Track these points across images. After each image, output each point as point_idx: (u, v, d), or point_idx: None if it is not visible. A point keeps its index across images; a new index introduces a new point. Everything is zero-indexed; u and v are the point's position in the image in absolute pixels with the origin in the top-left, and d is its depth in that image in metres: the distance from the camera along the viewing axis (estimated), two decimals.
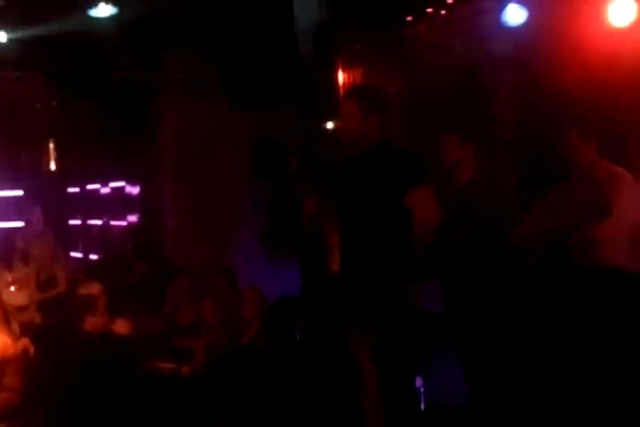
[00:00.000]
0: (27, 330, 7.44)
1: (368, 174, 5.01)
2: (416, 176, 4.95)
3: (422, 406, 7.02)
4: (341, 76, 8.53)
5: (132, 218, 11.29)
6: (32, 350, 6.93)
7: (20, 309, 8.16)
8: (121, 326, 7.29)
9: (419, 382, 6.88)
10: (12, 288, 8.32)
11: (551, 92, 6.84)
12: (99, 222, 12.38)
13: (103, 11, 7.48)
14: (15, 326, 7.50)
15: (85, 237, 11.93)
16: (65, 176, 12.55)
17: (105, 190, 12.29)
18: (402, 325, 4.92)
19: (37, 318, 8.08)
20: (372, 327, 4.91)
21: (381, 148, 5.08)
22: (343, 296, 5.12)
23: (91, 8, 7.45)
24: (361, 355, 4.98)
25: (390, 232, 4.93)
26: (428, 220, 4.89)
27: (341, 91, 8.44)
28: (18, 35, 8.40)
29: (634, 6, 6.58)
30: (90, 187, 12.70)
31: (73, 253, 11.85)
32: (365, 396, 5.03)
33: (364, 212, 4.98)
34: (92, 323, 6.98)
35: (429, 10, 7.93)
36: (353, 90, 5.90)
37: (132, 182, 11.37)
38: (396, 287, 4.91)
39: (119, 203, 11.77)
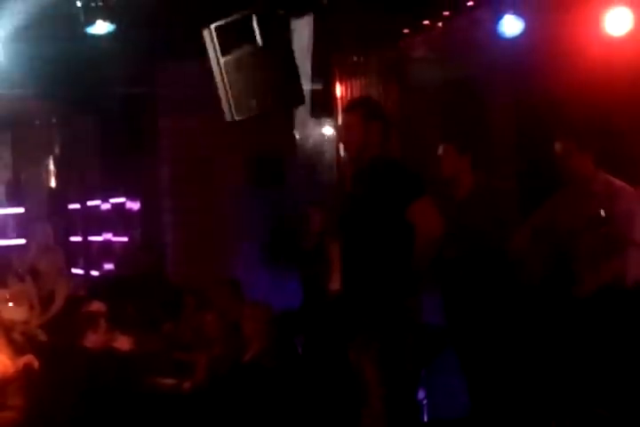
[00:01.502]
0: (29, 346, 7.43)
1: (369, 188, 5.02)
2: (417, 189, 4.96)
3: (425, 419, 7.01)
4: (339, 89, 8.55)
5: (133, 234, 11.29)
6: (36, 364, 6.92)
7: (20, 324, 8.15)
8: (123, 343, 7.28)
9: (421, 394, 6.87)
10: (10, 304, 8.30)
11: (548, 102, 6.84)
12: (99, 239, 12.38)
13: (101, 28, 7.48)
14: (18, 339, 7.51)
15: (86, 254, 11.92)
16: (65, 193, 12.56)
17: (105, 206, 12.30)
18: (404, 336, 4.92)
19: (39, 334, 8.04)
20: (375, 338, 4.90)
21: (381, 161, 5.09)
22: (345, 308, 5.11)
23: (88, 25, 7.44)
24: (364, 366, 4.97)
25: (393, 245, 4.93)
26: (431, 232, 4.89)
27: (339, 103, 8.45)
28: (15, 52, 8.40)
29: (630, 16, 6.58)
30: (90, 203, 12.71)
31: (74, 270, 11.85)
32: (368, 407, 5.02)
33: (366, 225, 4.98)
34: (93, 340, 6.98)
35: (426, 22, 7.94)
36: (354, 102, 5.91)
37: (132, 198, 11.38)
38: (398, 299, 4.91)
39: (120, 219, 11.77)
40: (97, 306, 7.19)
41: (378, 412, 4.94)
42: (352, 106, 5.42)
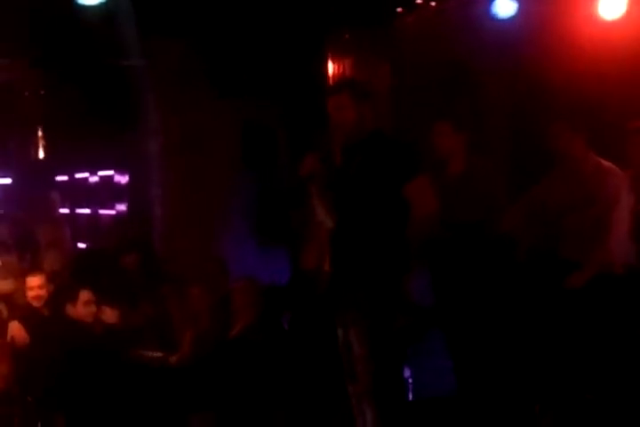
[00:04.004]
0: (16, 315, 7.43)
1: (366, 161, 5.02)
2: (413, 166, 4.97)
3: (410, 397, 7.04)
4: (331, 67, 8.52)
5: (121, 207, 11.26)
6: (22, 333, 6.93)
7: (7, 296, 8.14)
8: (109, 315, 7.29)
9: (407, 372, 6.91)
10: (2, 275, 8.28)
11: (541, 84, 6.86)
12: (87, 211, 12.36)
13: None
14: (3, 310, 7.50)
15: (74, 226, 11.87)
16: (53, 164, 12.51)
17: (93, 179, 12.26)
18: (394, 314, 4.94)
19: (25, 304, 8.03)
20: (366, 314, 4.93)
21: (377, 137, 5.09)
22: (335, 285, 5.13)
23: None
24: (353, 342, 5.00)
25: (388, 221, 4.95)
26: (426, 209, 4.91)
27: (331, 81, 8.43)
28: (5, 21, 8.35)
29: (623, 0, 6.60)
30: (78, 175, 12.68)
31: None
32: (355, 383, 5.06)
33: (360, 200, 4.99)
34: (80, 312, 6.99)
35: (419, 1, 7.93)
36: (342, 83, 5.90)
37: (120, 171, 11.34)
38: (389, 276, 4.93)
39: (108, 192, 11.74)
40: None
41: (366, 388, 4.97)
42: (339, 87, 5.41)
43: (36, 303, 7.36)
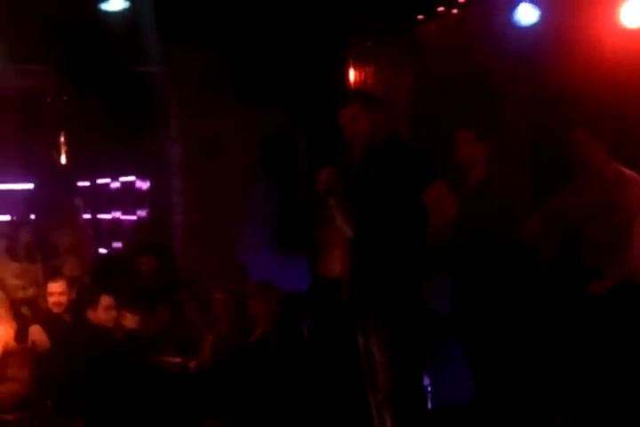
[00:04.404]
0: (37, 320, 7.46)
1: (382, 169, 5.03)
2: (430, 172, 4.98)
3: (429, 406, 7.02)
4: (352, 75, 8.53)
5: (142, 213, 11.29)
6: (44, 338, 6.95)
7: (30, 301, 8.18)
8: (130, 321, 7.31)
9: (426, 381, 6.90)
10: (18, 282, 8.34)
11: (563, 91, 6.83)
12: (108, 217, 12.39)
13: (115, 4, 7.49)
14: (26, 313, 7.54)
15: (95, 231, 11.91)
16: (75, 170, 12.56)
17: (115, 185, 12.30)
18: (416, 322, 4.94)
19: (47, 309, 8.06)
20: (387, 322, 4.93)
21: (393, 144, 5.11)
22: (355, 292, 5.14)
23: (103, 1, 7.45)
24: (373, 350, 5.00)
25: (407, 229, 4.95)
26: (444, 216, 4.92)
27: (352, 89, 8.44)
28: (29, 28, 8.41)
29: None
30: (100, 181, 12.71)
31: None
32: (376, 392, 5.06)
33: (378, 208, 4.99)
34: (101, 317, 7.01)
35: (441, 9, 7.92)
36: (353, 94, 5.93)
37: (141, 177, 11.37)
38: (410, 283, 4.94)
39: (129, 198, 11.77)
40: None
41: (386, 396, 4.97)
42: (352, 98, 5.44)
43: (56, 309, 7.39)
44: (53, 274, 8.12)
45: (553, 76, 6.93)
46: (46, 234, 9.35)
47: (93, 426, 6.47)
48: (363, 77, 8.42)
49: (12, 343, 6.85)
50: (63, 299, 7.42)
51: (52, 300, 7.43)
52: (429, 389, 7.10)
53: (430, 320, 5.05)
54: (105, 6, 7.45)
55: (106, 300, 7.04)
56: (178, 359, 7.24)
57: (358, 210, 5.09)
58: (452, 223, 4.96)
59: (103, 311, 7.01)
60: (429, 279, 4.98)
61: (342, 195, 5.09)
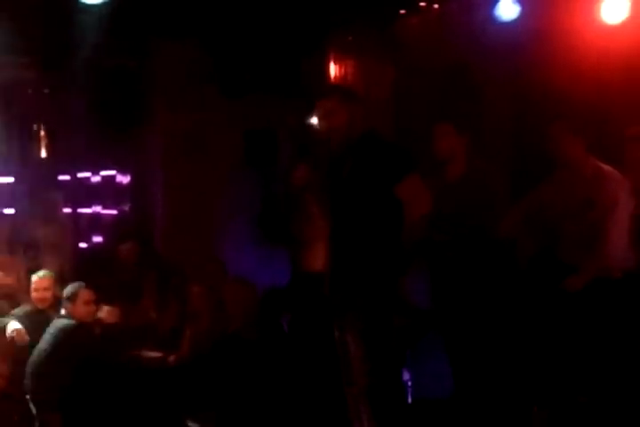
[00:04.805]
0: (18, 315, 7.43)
1: (358, 164, 5.03)
2: (406, 166, 4.98)
3: (409, 400, 7.04)
4: (333, 69, 8.53)
5: (123, 207, 11.26)
6: (22, 333, 6.91)
7: (9, 295, 8.14)
8: (108, 315, 7.30)
9: (406, 375, 6.91)
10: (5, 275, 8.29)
11: (543, 87, 6.86)
12: (89, 211, 12.35)
13: None
14: (5, 307, 7.50)
15: (75, 226, 11.86)
16: (55, 163, 12.51)
17: (95, 179, 12.25)
18: (390, 315, 4.95)
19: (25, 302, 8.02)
20: (362, 316, 4.94)
21: (369, 138, 5.11)
22: (332, 286, 5.14)
23: None
24: (349, 343, 5.01)
25: (382, 222, 4.96)
26: (419, 209, 4.92)
27: (333, 83, 8.44)
28: (9, 20, 8.36)
29: (626, 4, 6.60)
30: (80, 175, 12.66)
31: None
32: (351, 385, 5.07)
33: (354, 201, 5.00)
34: (79, 311, 6.99)
35: (422, 4, 7.93)
36: (330, 89, 5.94)
37: (122, 171, 11.34)
38: (385, 277, 4.94)
39: (109, 192, 11.73)
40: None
41: (361, 389, 4.98)
42: (328, 92, 5.43)
43: (40, 305, 7.35)
44: (36, 269, 8.08)
45: (534, 71, 6.96)
46: (26, 228, 9.31)
47: (71, 421, 6.45)
48: (344, 72, 8.42)
49: None
50: (48, 294, 7.38)
51: (36, 295, 7.39)
52: (409, 383, 7.12)
53: (407, 314, 5.05)
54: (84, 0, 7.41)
55: (85, 294, 7.00)
56: (157, 354, 7.24)
57: (334, 205, 5.10)
58: (428, 218, 4.95)
59: (82, 306, 6.97)
60: (406, 274, 4.98)
61: (319, 190, 5.09)
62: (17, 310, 7.41)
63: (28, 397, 6.73)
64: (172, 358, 7.17)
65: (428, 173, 5.94)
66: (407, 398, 6.85)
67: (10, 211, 11.50)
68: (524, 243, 6.07)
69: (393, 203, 4.91)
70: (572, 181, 5.90)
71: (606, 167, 5.89)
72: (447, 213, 5.82)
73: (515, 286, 6.13)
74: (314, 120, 8.61)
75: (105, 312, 7.26)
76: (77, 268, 8.53)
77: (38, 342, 6.88)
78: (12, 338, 6.92)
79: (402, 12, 8.14)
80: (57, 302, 7.34)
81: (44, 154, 12.56)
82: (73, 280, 7.77)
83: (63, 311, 6.99)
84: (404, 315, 5.01)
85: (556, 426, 5.74)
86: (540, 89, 6.89)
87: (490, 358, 6.05)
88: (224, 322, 6.94)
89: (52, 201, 9.74)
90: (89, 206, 12.28)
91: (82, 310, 6.96)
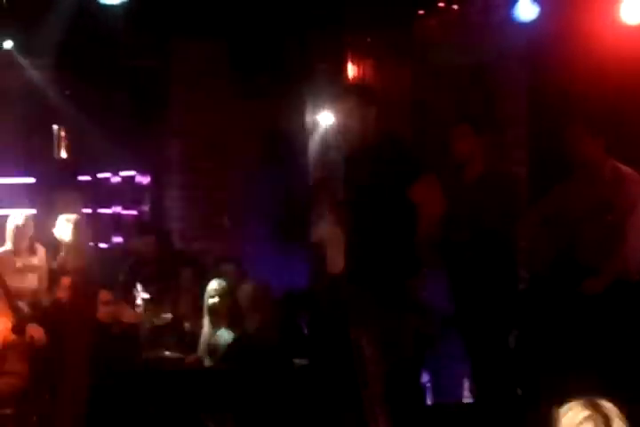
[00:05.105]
0: (35, 314, 7.45)
1: (372, 167, 5.04)
2: (419, 169, 4.98)
3: (428, 402, 7.02)
4: (351, 70, 8.52)
5: (142, 207, 11.30)
6: (40, 332, 6.93)
7: (31, 294, 8.17)
8: (128, 316, 7.31)
9: (425, 377, 6.89)
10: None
11: (561, 88, 6.82)
12: (109, 211, 12.39)
13: None
14: (24, 306, 7.52)
15: (96, 226, 11.93)
16: (76, 164, 12.58)
17: (115, 179, 12.30)
18: (404, 317, 4.95)
19: (46, 303, 8.05)
20: (375, 318, 4.94)
21: (385, 141, 5.11)
22: (349, 288, 5.15)
23: None
24: (364, 345, 5.01)
25: (395, 225, 4.95)
26: (432, 212, 4.91)
27: (351, 84, 8.42)
28: (30, 22, 8.42)
29: None
30: (100, 175, 12.71)
31: None
32: (367, 387, 5.06)
33: (369, 203, 5.01)
34: (100, 312, 7.00)
35: (441, 4, 7.91)
36: (349, 89, 5.92)
37: (142, 172, 11.38)
38: (398, 278, 4.94)
39: (129, 192, 11.78)
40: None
41: (376, 391, 4.98)
42: (348, 93, 5.43)
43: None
44: (61, 269, 8.10)
45: (552, 72, 6.92)
46: (49, 228, 9.35)
47: (90, 421, 6.47)
48: (362, 73, 8.41)
49: (10, 337, 6.83)
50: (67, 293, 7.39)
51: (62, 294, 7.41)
52: (428, 385, 7.10)
53: (422, 315, 5.05)
54: (104, 0, 7.44)
55: (103, 295, 7.02)
56: (176, 354, 7.25)
57: (350, 206, 5.11)
58: (441, 220, 4.94)
59: (101, 306, 6.99)
60: (418, 275, 4.98)
61: (334, 191, 5.11)
62: None
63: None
64: (190, 358, 7.18)
65: (445, 175, 5.94)
66: (425, 401, 6.83)
67: (31, 211, 11.56)
68: (542, 245, 6.03)
69: (406, 205, 4.91)
70: (591, 182, 5.86)
71: (625, 169, 5.85)
72: (465, 214, 5.80)
73: (534, 289, 6.10)
74: (332, 120, 8.67)
75: (123, 313, 7.27)
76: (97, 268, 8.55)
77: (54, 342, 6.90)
78: (32, 338, 6.95)
79: (421, 12, 8.12)
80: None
81: (64, 155, 12.62)
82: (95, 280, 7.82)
83: None
84: (420, 316, 5.00)
85: None
86: (559, 90, 6.85)
87: (509, 359, 6.02)
88: (241, 323, 6.95)
89: (70, 201, 9.77)
90: (109, 207, 12.33)
91: (101, 310, 6.98)
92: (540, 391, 5.91)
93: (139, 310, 7.93)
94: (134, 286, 8.40)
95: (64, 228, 9.15)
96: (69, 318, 7.24)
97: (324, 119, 8.99)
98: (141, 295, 8.37)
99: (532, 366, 6.05)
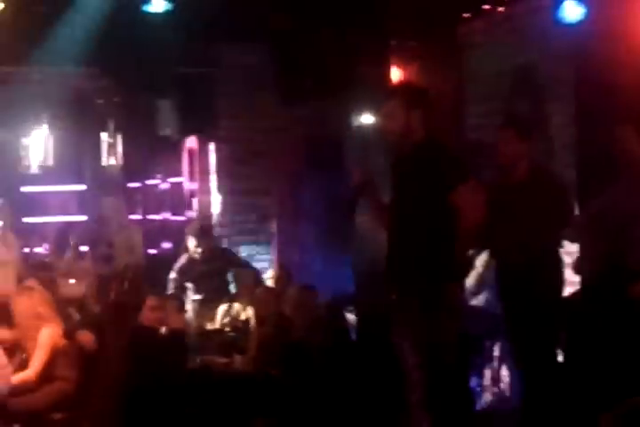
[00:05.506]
0: (84, 320, 7.52)
1: (415, 171, 5.02)
2: (461, 173, 4.95)
3: (477, 407, 6.96)
4: (396, 74, 8.49)
5: (190, 213, 11.37)
6: (91, 341, 7.00)
7: (77, 300, 8.26)
8: (176, 320, 7.35)
9: (474, 382, 6.84)
10: (71, 281, 8.42)
11: (609, 89, 6.74)
12: (158, 217, 12.49)
13: (157, 6, 7.55)
14: (74, 313, 7.60)
15: (145, 232, 12.04)
16: (125, 171, 12.70)
17: (164, 186, 12.39)
18: (444, 322, 4.92)
19: (95, 309, 8.14)
20: (414, 323, 4.92)
21: (427, 145, 5.08)
22: (389, 291, 5.14)
23: (145, 3, 7.52)
24: (405, 350, 4.99)
25: (435, 229, 4.93)
26: (472, 219, 4.88)
27: (396, 85, 8.39)
28: (77, 31, 8.52)
29: None
30: (149, 182, 12.81)
31: None
32: (411, 392, 5.03)
33: (411, 207, 4.99)
34: (148, 317, 7.05)
35: (486, 7, 7.86)
36: (394, 89, 5.88)
37: (190, 178, 11.45)
38: (438, 284, 4.91)
39: (178, 198, 11.86)
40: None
41: (419, 397, 4.95)
42: (392, 93, 5.39)
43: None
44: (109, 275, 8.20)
45: (599, 73, 6.84)
46: (97, 235, 9.46)
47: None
48: (406, 77, 8.38)
49: (61, 343, 6.89)
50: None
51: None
52: (478, 390, 7.04)
53: (467, 320, 5.02)
54: (147, 8, 7.50)
55: (151, 300, 7.07)
56: (224, 359, 7.28)
57: (390, 210, 5.10)
58: (481, 223, 4.91)
59: (149, 312, 7.04)
60: (459, 279, 4.95)
61: (374, 194, 5.10)
62: None
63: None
64: (238, 363, 7.20)
65: (490, 178, 5.91)
66: (473, 407, 6.78)
67: (82, 218, 11.70)
68: (590, 248, 5.96)
69: (447, 211, 4.89)
70: (639, 185, 5.79)
71: None
72: (512, 215, 5.75)
73: (582, 292, 6.03)
74: (376, 124, 8.66)
75: (171, 318, 7.32)
76: (145, 274, 8.64)
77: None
78: (81, 346, 7.02)
79: (465, 15, 8.08)
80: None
81: (113, 162, 12.75)
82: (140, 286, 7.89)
83: None
84: (463, 320, 4.98)
85: None
86: (606, 90, 6.76)
87: (557, 365, 5.96)
88: (288, 328, 6.97)
89: (117, 207, 9.86)
90: (158, 213, 12.42)
91: (149, 316, 7.03)
92: (589, 398, 5.84)
93: (188, 314, 8.00)
94: (184, 287, 8.49)
95: (120, 235, 9.29)
96: (119, 325, 7.33)
97: (368, 123, 8.98)
98: (192, 297, 8.45)
99: (581, 373, 5.97)
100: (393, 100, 5.15)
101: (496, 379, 7.07)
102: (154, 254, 11.51)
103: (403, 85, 6.45)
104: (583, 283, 6.05)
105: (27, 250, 9.61)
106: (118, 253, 9.12)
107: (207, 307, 8.27)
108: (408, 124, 5.05)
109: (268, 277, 8.73)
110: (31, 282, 7.55)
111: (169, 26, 8.09)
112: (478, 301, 6.91)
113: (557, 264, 5.91)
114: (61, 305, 7.63)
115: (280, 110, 8.99)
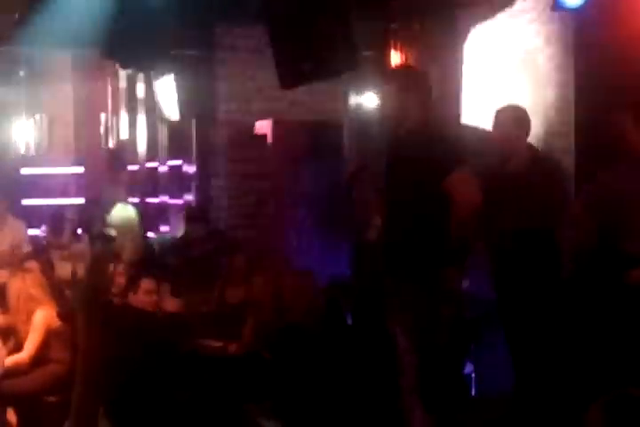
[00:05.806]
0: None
1: (410, 155, 4.99)
2: (456, 159, 4.92)
3: (472, 394, 6.96)
4: (394, 57, 8.44)
5: (189, 197, 11.35)
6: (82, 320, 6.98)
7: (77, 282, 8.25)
8: (171, 304, 7.34)
9: (469, 368, 6.84)
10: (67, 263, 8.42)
11: (608, 76, 6.68)
12: (156, 200, 12.48)
13: None
14: (68, 294, 7.59)
15: (143, 215, 12.03)
16: (123, 154, 12.69)
17: (162, 169, 12.37)
18: (438, 307, 4.91)
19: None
20: (408, 307, 4.90)
21: (424, 129, 5.05)
22: (384, 275, 5.13)
23: None
24: (398, 334, 4.98)
25: (429, 214, 4.91)
26: (466, 203, 4.86)
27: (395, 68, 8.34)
28: (86, 13, 8.52)
29: None
30: (148, 165, 12.81)
31: None
32: (403, 376, 5.03)
33: (407, 192, 4.97)
34: (142, 300, 7.03)
35: None
36: (392, 73, 5.86)
37: (188, 161, 11.43)
38: (433, 268, 4.89)
39: (176, 182, 11.85)
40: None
41: (411, 381, 4.95)
42: (390, 76, 5.37)
43: (115, 290, 7.40)
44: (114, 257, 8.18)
45: (598, 60, 6.77)
46: (95, 218, 9.46)
47: (133, 409, 6.49)
48: (405, 60, 8.33)
49: (55, 325, 6.89)
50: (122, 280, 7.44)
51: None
52: (473, 376, 7.04)
53: (463, 306, 5.01)
54: None
55: (146, 283, 7.05)
56: (218, 343, 7.26)
57: (388, 194, 5.08)
58: (476, 210, 4.88)
59: (143, 295, 7.02)
60: (455, 264, 4.94)
61: (368, 182, 5.10)
62: None
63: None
64: (233, 347, 7.19)
65: (489, 164, 5.88)
66: (468, 393, 6.78)
67: (80, 200, 11.71)
68: (585, 234, 5.93)
69: (442, 195, 4.86)
70: (636, 170, 5.75)
71: None
72: (509, 202, 5.74)
73: (577, 278, 6.01)
74: (374, 107, 8.63)
75: (166, 302, 7.30)
76: (141, 257, 8.63)
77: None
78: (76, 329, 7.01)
79: None
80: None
81: (112, 144, 12.75)
82: (135, 269, 7.87)
83: None
84: (452, 306, 4.96)
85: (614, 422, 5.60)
86: (605, 77, 6.69)
87: (551, 351, 5.94)
88: (285, 313, 6.96)
89: (118, 191, 9.88)
90: (156, 196, 12.42)
91: (143, 299, 7.01)
92: (582, 384, 5.83)
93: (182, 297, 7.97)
94: (178, 269, 8.47)
95: (119, 217, 9.29)
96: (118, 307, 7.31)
97: (367, 107, 8.94)
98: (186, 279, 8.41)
99: (574, 359, 5.95)
100: (391, 83, 5.12)
101: (489, 365, 7.07)
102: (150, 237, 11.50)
103: (401, 69, 6.42)
104: (578, 268, 6.02)
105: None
106: (120, 237, 9.12)
107: (201, 290, 8.24)
108: (405, 107, 5.03)
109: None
110: (31, 264, 7.55)
111: (169, 8, 8.06)
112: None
113: (554, 251, 5.90)
114: (58, 287, 7.64)
115: (280, 93, 8.95)
